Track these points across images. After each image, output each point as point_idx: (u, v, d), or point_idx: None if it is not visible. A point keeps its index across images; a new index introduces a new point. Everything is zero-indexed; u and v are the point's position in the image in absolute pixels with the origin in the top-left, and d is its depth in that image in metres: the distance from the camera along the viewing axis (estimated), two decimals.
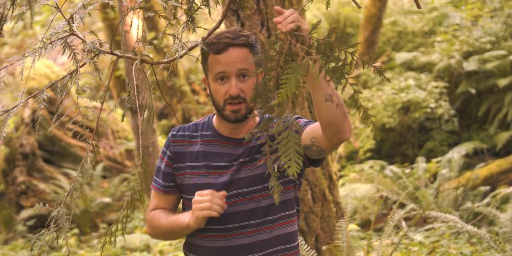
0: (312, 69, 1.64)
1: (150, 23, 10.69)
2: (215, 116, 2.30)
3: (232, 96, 2.13)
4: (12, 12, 1.83)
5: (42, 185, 9.18)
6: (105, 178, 9.89)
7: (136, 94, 1.83)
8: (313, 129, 2.10)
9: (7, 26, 1.89)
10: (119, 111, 11.21)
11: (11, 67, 1.87)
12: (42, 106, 1.79)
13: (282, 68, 1.65)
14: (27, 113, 9.42)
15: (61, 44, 1.79)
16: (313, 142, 2.09)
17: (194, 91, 12.16)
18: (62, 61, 12.37)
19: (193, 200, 2.14)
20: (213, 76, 2.16)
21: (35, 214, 8.76)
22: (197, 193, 2.14)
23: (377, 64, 10.01)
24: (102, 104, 1.81)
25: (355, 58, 1.69)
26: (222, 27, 2.59)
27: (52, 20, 2.10)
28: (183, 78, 11.84)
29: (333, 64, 1.64)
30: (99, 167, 9.86)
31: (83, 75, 1.86)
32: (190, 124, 2.35)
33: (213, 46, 2.14)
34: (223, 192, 2.13)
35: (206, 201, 2.10)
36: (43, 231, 1.83)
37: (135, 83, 1.81)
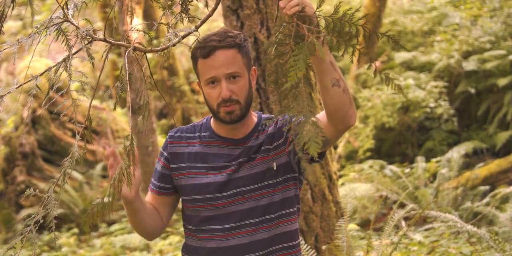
0: (318, 48, 1.65)
1: (150, 21, 10.69)
2: (212, 117, 2.30)
3: (224, 99, 2.14)
4: (12, 9, 1.83)
5: (42, 185, 9.18)
6: (105, 178, 9.90)
7: (127, 79, 1.83)
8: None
9: (6, 26, 1.89)
10: (119, 110, 11.21)
11: (11, 66, 1.87)
12: (34, 92, 1.78)
13: (293, 50, 1.66)
14: (26, 113, 9.42)
15: (55, 31, 1.79)
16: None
17: (193, 91, 12.16)
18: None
19: None
20: (204, 80, 2.18)
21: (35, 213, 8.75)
22: None
23: (377, 63, 10.01)
24: (92, 97, 1.81)
25: (366, 31, 1.70)
26: (222, 26, 2.59)
27: (50, 17, 2.09)
28: (183, 78, 11.85)
29: (344, 39, 1.66)
30: (99, 167, 9.87)
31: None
32: (188, 125, 2.35)
33: (200, 51, 2.14)
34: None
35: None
36: (33, 215, 1.82)
37: (127, 70, 1.81)
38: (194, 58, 2.18)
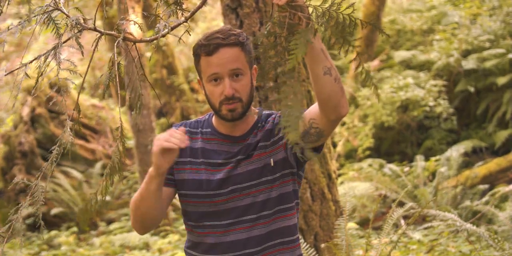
0: (316, 36, 1.62)
1: (149, 22, 10.68)
2: (214, 114, 2.31)
3: (227, 97, 2.15)
4: (8, 3, 1.83)
5: (41, 183, 9.18)
6: None
7: (117, 69, 1.83)
8: (309, 112, 2.11)
9: (5, 24, 1.89)
10: (118, 108, 11.21)
11: (11, 65, 1.88)
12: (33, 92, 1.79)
13: (286, 40, 1.65)
14: (25, 111, 9.41)
15: (45, 19, 1.79)
16: (311, 124, 2.10)
17: (192, 90, 12.16)
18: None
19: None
20: (207, 77, 2.18)
21: (34, 213, 8.75)
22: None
23: (376, 62, 10.01)
24: (81, 86, 1.81)
25: (352, 19, 1.70)
26: (221, 24, 2.60)
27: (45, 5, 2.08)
28: (182, 77, 11.84)
29: (336, 28, 1.65)
30: (98, 165, 9.87)
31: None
32: (192, 120, 2.37)
33: (204, 48, 2.15)
34: (183, 128, 2.12)
35: (165, 136, 2.10)
36: (20, 204, 1.84)
37: (116, 60, 1.81)
38: (197, 55, 2.19)
